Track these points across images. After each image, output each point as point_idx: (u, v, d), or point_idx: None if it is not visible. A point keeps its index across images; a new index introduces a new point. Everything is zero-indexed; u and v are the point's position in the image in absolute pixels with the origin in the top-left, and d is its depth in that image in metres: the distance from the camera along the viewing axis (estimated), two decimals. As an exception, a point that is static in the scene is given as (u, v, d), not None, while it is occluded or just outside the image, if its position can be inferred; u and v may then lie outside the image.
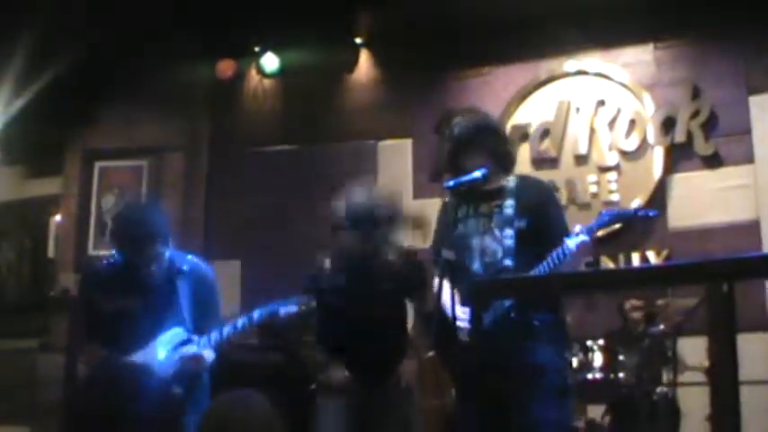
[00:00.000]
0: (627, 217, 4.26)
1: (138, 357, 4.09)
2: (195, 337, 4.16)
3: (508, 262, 3.98)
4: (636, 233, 6.18)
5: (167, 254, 4.16)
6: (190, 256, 4.35)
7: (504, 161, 4.21)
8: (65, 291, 7.19)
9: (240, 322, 4.28)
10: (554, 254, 3.89)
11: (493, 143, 4.17)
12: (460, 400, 4.02)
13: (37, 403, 6.71)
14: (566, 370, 4.18)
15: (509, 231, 3.99)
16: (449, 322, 3.88)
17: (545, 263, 3.90)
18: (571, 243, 3.88)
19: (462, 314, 3.83)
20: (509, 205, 4.04)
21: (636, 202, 6.35)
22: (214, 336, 4.18)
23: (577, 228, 3.92)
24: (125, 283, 4.15)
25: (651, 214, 4.17)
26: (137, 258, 4.09)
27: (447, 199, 4.22)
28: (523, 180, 4.23)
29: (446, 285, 3.95)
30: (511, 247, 3.98)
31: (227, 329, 4.22)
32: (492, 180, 4.11)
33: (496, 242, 4.03)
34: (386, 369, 4.76)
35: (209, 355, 4.18)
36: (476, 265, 4.04)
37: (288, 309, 4.41)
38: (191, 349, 4.12)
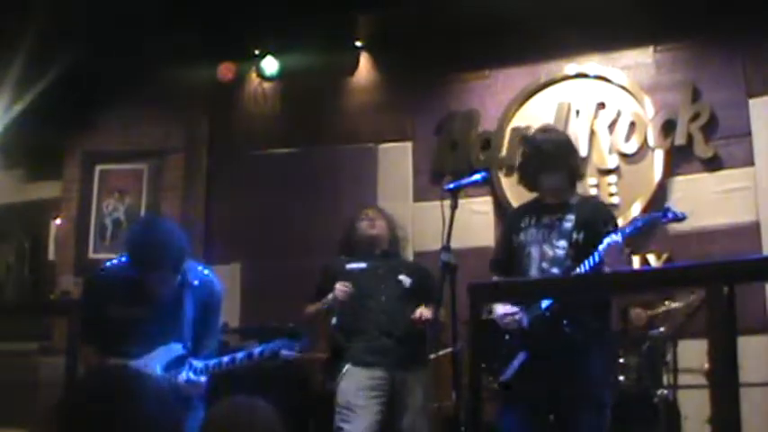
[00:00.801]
0: (658, 221, 4.33)
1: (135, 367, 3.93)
2: (194, 362, 4.09)
3: (555, 271, 4.08)
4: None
5: (178, 278, 4.07)
6: (201, 269, 4.27)
7: (577, 177, 4.46)
8: (65, 293, 7.19)
9: (239, 356, 4.18)
10: (588, 260, 3.99)
11: (572, 161, 4.31)
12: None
13: (37, 406, 6.70)
14: (601, 381, 4.21)
15: (563, 243, 4.14)
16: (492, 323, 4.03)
17: (579, 269, 3.99)
18: (601, 247, 3.97)
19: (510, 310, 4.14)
20: (569, 219, 4.21)
21: (637, 205, 6.36)
22: (212, 364, 4.10)
23: (613, 236, 4.00)
24: (131, 291, 4.08)
25: (680, 216, 4.23)
26: (146, 279, 4.02)
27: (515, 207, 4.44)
28: (586, 199, 4.52)
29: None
30: (560, 257, 4.11)
31: (225, 360, 4.14)
32: (561, 194, 4.23)
33: (552, 251, 4.14)
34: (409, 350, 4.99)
35: (203, 380, 4.09)
36: (533, 272, 4.15)
37: (289, 353, 4.28)
38: (188, 375, 4.04)
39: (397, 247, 5.36)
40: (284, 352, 4.26)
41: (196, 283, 4.16)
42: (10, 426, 6.66)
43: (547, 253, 4.20)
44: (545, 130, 4.69)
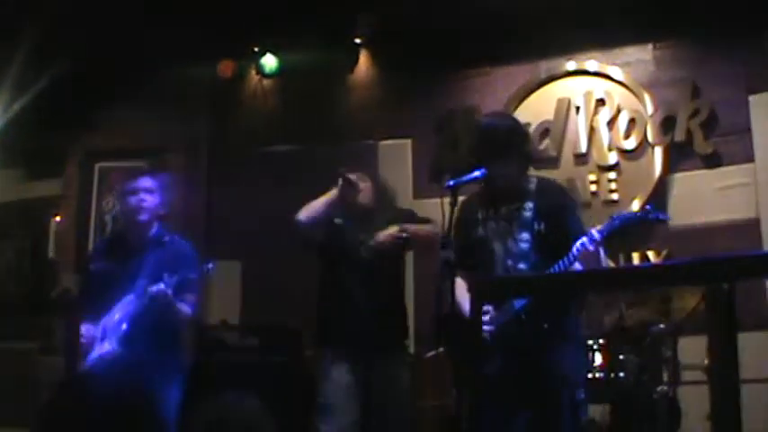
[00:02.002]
0: (638, 220, 4.26)
1: (104, 321, 4.52)
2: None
3: (522, 266, 4.03)
4: (637, 234, 6.13)
5: (156, 200, 4.72)
6: (172, 233, 4.82)
7: (529, 163, 4.31)
8: (66, 291, 7.19)
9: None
10: (565, 258, 3.94)
11: (522, 145, 4.23)
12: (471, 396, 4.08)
13: (37, 406, 6.70)
14: (575, 381, 4.18)
15: (526, 235, 4.06)
16: (463, 320, 3.94)
17: (556, 266, 3.95)
18: (574, 251, 3.92)
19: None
20: (528, 208, 4.11)
21: (636, 202, 6.36)
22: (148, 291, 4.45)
23: (593, 231, 3.95)
24: (112, 249, 4.78)
25: (662, 217, 4.17)
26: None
27: (462, 198, 4.23)
28: (543, 182, 4.30)
29: (460, 283, 4.01)
30: (525, 250, 4.04)
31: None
32: (514, 181, 4.16)
33: (515, 245, 4.08)
34: (387, 335, 4.93)
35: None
36: (498, 269, 4.09)
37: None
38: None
39: (384, 211, 5.25)
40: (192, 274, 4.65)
41: (167, 239, 4.72)
42: (10, 425, 6.67)
43: (511, 249, 4.12)
44: (492, 116, 4.62)
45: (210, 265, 4.68)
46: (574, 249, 3.91)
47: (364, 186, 5.14)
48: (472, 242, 4.24)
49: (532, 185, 4.20)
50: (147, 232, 4.69)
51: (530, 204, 4.12)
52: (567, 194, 4.46)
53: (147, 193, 4.67)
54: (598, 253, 3.95)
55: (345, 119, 7.49)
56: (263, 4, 6.86)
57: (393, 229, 4.89)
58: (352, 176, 4.96)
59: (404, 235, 4.91)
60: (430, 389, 5.47)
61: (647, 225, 4.24)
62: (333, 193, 4.95)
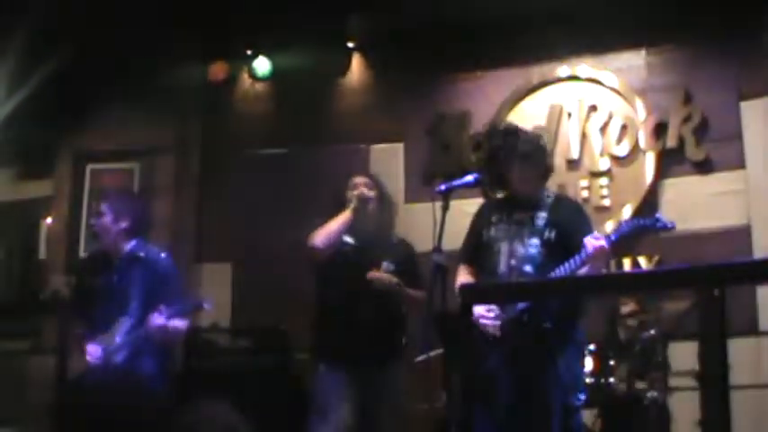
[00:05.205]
0: (646, 228, 4.29)
1: (102, 341, 4.75)
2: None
3: (528, 269, 4.08)
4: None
5: (108, 221, 4.85)
6: (151, 246, 4.97)
7: (547, 175, 4.40)
8: (55, 293, 7.17)
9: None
10: (571, 260, 3.97)
11: (541, 158, 4.27)
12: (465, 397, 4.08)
13: (27, 405, 6.68)
14: (571, 386, 4.19)
15: (535, 241, 4.16)
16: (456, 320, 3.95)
17: (562, 267, 3.97)
18: (588, 246, 3.94)
19: (484, 312, 4.10)
20: (541, 217, 4.20)
21: (628, 208, 6.37)
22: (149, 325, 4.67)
23: (600, 241, 3.97)
24: (97, 264, 4.99)
25: (669, 225, 4.20)
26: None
27: (485, 201, 4.37)
28: (560, 197, 4.46)
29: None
30: (533, 255, 4.12)
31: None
32: (531, 191, 4.22)
33: (523, 248, 4.11)
34: (385, 349, 4.92)
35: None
36: (501, 268, 4.14)
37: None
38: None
39: (387, 218, 5.22)
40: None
41: (142, 254, 4.84)
42: (0, 424, 6.64)
43: (517, 250, 4.18)
44: (515, 129, 4.58)
45: (207, 305, 4.96)
46: (588, 246, 3.94)
47: (373, 194, 5.07)
48: (479, 239, 4.33)
49: (550, 198, 4.27)
50: (119, 249, 4.88)
51: (543, 214, 4.20)
52: (583, 213, 4.50)
53: (99, 217, 4.91)
54: (610, 252, 4.00)
55: (337, 122, 7.48)
56: (256, 6, 6.85)
57: (392, 279, 4.87)
58: (365, 191, 4.92)
59: (397, 289, 4.88)
60: (419, 391, 5.46)
61: (653, 233, 4.27)
62: (347, 215, 4.90)
